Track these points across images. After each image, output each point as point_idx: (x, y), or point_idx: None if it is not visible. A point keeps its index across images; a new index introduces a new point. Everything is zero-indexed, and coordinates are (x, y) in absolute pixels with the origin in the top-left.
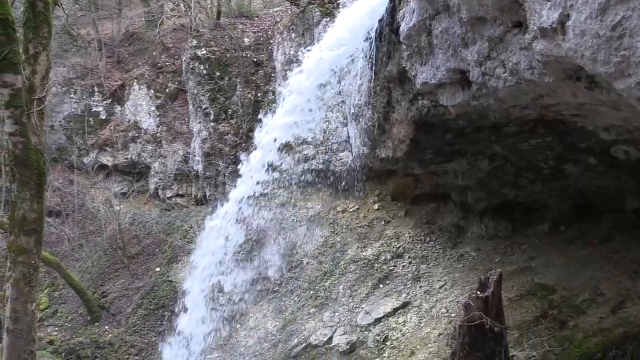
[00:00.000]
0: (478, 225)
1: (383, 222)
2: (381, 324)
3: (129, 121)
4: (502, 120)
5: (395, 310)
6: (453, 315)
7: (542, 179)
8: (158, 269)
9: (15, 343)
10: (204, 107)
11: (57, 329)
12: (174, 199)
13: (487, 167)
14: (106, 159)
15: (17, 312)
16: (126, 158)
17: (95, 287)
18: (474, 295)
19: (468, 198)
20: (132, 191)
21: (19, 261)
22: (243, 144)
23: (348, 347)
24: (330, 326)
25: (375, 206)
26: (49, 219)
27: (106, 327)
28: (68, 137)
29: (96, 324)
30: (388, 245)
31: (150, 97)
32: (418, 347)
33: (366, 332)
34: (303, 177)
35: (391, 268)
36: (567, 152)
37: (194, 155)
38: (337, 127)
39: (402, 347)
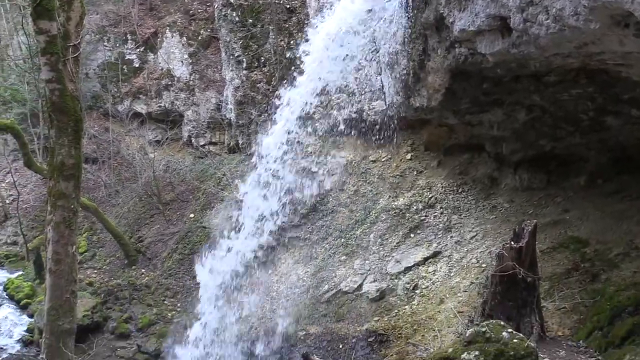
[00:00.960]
0: (512, 177)
1: (415, 172)
2: (411, 272)
3: (162, 69)
4: (543, 69)
5: (426, 259)
6: (484, 265)
7: (581, 131)
8: (192, 215)
9: (57, 283)
10: (236, 54)
11: (95, 271)
12: (207, 146)
13: (524, 117)
14: (140, 107)
15: (58, 254)
16: (160, 106)
17: (131, 232)
18: (507, 245)
19: (503, 149)
20: (166, 139)
21: (59, 205)
22: (275, 92)
23: (378, 294)
24: (360, 274)
25: (408, 156)
26: (85, 165)
27: (142, 270)
28: (102, 85)
29: (133, 267)
30: (420, 195)
31: (183, 44)
32: (447, 295)
33: (396, 280)
34: (335, 126)
35: (422, 218)
36: (609, 104)
37: (227, 104)
38: (370, 75)
39: (432, 295)
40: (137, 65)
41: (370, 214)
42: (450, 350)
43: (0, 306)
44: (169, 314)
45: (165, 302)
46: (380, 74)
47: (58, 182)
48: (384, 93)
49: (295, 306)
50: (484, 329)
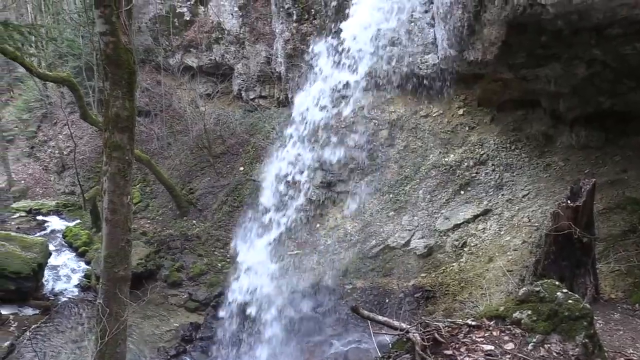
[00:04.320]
0: (568, 135)
1: (467, 128)
2: (460, 229)
3: (212, 22)
4: (606, 21)
5: (475, 217)
6: (536, 224)
7: None
8: (242, 168)
9: (113, 232)
10: (286, 6)
11: (149, 221)
12: (256, 100)
13: (584, 73)
14: (191, 60)
15: (114, 203)
16: (210, 59)
17: (183, 184)
18: (563, 204)
19: (559, 105)
20: (216, 92)
21: (114, 156)
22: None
23: (425, 250)
24: (408, 230)
25: (460, 111)
26: (139, 118)
27: (194, 221)
28: (154, 38)
29: (184, 218)
30: (471, 152)
31: None
32: (497, 254)
33: (444, 237)
34: (386, 80)
35: (473, 175)
36: None
37: (277, 57)
38: (423, 27)
39: (480, 253)
40: (187, 19)
41: (420, 169)
42: (501, 308)
43: (60, 253)
44: (219, 264)
45: (215, 252)
46: (433, 26)
47: (113, 134)
48: (437, 46)
49: (343, 260)
50: (537, 289)
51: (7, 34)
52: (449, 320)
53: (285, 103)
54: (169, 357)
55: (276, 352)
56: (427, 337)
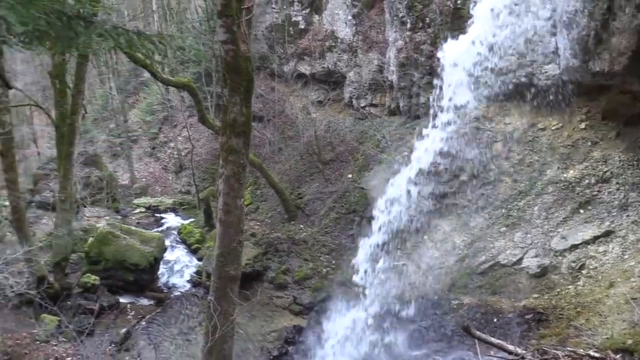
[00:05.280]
0: None
1: (589, 143)
2: (578, 250)
3: (326, 30)
4: None
5: (596, 238)
6: None
7: None
8: (350, 175)
9: (226, 232)
10: (400, 15)
11: (258, 223)
12: (367, 108)
13: None
14: (304, 68)
15: (228, 205)
16: (323, 67)
17: (292, 189)
18: None
19: None
20: (328, 99)
21: (230, 160)
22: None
23: (539, 270)
24: (521, 247)
25: (582, 125)
26: (252, 123)
27: (301, 226)
28: (269, 46)
29: (292, 222)
30: (593, 168)
31: (347, 5)
32: (619, 279)
33: (560, 258)
34: (502, 90)
35: (595, 193)
36: None
37: (389, 65)
38: (544, 35)
39: (600, 277)
40: (302, 27)
41: (536, 185)
42: (629, 341)
43: (175, 248)
44: (324, 270)
45: (321, 258)
46: (554, 35)
47: (230, 138)
48: (559, 56)
49: (449, 274)
50: None
51: (140, 43)
52: (568, 349)
53: (396, 112)
54: (271, 357)
55: None
56: None
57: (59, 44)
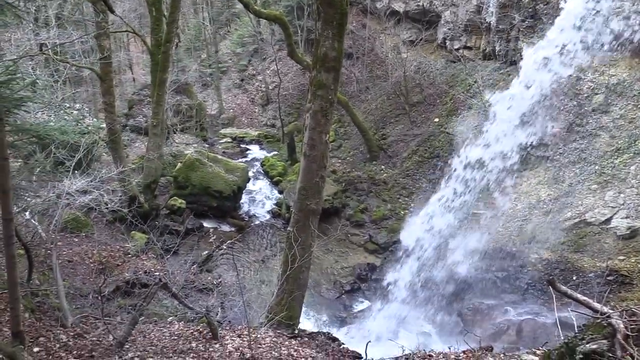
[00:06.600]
0: None
1: None
2: None
3: None
4: None
5: None
6: None
7: None
8: (437, 119)
9: (310, 166)
10: None
11: (340, 161)
12: (460, 50)
13: None
14: (398, 5)
15: (313, 140)
16: (418, 5)
17: (376, 129)
18: None
19: None
20: (420, 39)
21: (318, 95)
22: None
23: (628, 232)
24: (611, 206)
25: None
26: None
27: (382, 166)
28: None
29: (374, 162)
30: None
31: None
32: None
33: None
34: (611, 39)
35: None
36: None
37: (488, 6)
38: None
39: None
40: None
41: (636, 143)
42: None
43: (257, 179)
44: (402, 212)
45: (400, 200)
46: None
47: (320, 72)
48: None
49: (531, 228)
50: None
51: None
52: None
53: (491, 56)
54: (343, 291)
55: (446, 305)
56: (632, 326)
57: None
